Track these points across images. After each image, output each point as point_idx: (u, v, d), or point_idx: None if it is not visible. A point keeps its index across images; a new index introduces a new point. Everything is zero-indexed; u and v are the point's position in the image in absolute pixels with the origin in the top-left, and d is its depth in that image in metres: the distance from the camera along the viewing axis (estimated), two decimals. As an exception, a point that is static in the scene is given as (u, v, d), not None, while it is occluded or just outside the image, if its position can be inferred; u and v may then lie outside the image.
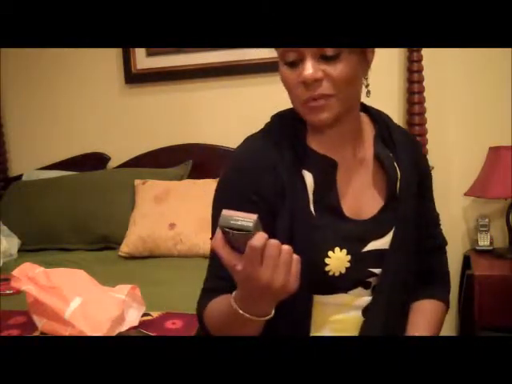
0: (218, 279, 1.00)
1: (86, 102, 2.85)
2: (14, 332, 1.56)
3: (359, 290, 1.05)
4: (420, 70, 2.34)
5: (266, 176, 1.01)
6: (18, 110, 2.95)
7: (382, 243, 1.05)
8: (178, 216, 2.32)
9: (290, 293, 0.82)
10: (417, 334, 1.07)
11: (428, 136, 2.37)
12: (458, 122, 2.44)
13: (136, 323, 1.53)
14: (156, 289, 1.80)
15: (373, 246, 1.05)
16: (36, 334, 1.52)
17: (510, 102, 2.34)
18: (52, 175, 2.74)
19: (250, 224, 0.76)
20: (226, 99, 2.65)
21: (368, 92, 1.04)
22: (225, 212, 0.78)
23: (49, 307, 1.47)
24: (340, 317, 1.06)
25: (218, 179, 1.09)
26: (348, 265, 1.02)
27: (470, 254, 2.32)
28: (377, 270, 1.05)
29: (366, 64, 1.01)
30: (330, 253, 1.01)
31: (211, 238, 1.02)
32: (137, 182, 2.53)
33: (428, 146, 2.37)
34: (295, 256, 0.80)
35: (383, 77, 2.43)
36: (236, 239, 0.79)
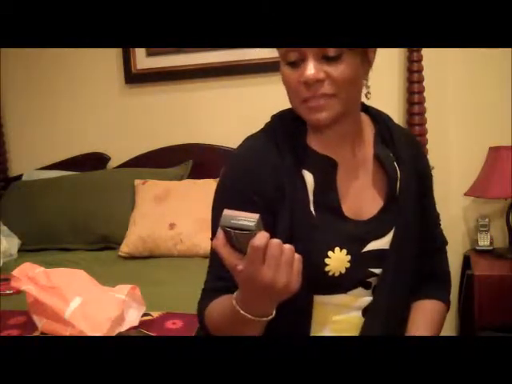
0: (219, 279, 1.00)
1: (86, 102, 2.85)
2: (14, 332, 1.56)
3: (359, 290, 1.05)
4: (420, 70, 2.34)
5: (265, 176, 1.01)
6: (18, 110, 2.95)
7: (382, 243, 1.05)
8: (178, 216, 2.32)
9: (293, 292, 0.81)
10: (417, 335, 1.07)
11: (428, 136, 2.36)
12: (458, 122, 2.44)
13: (136, 323, 1.53)
14: (156, 289, 1.80)
15: (373, 246, 1.05)
16: (36, 334, 1.52)
17: (510, 102, 2.34)
18: (52, 175, 2.74)
19: (252, 223, 0.76)
20: (226, 99, 2.65)
21: (368, 93, 1.04)
22: (226, 212, 0.78)
23: (49, 307, 1.47)
24: (340, 317, 1.06)
25: (218, 179, 1.09)
26: (348, 265, 1.02)
27: (470, 254, 2.32)
28: (377, 270, 1.05)
29: (367, 64, 1.01)
30: (329, 253, 1.01)
31: (211, 239, 1.03)
32: (137, 182, 2.53)
33: (428, 146, 2.36)
34: (297, 255, 0.80)
35: (383, 77, 2.44)
36: (237, 239, 0.78)
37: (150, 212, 2.38)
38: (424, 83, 2.35)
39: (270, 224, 0.99)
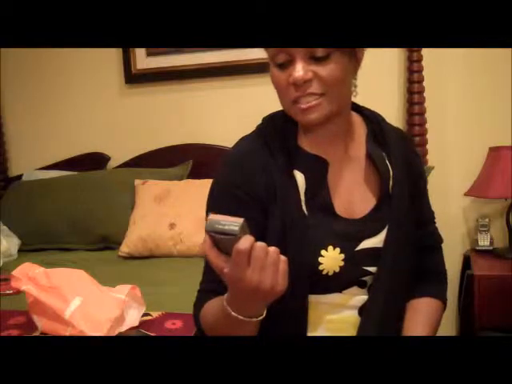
0: (212, 281, 1.01)
1: (86, 102, 2.85)
2: (14, 332, 1.56)
3: (354, 289, 1.06)
4: (420, 70, 2.34)
5: (257, 177, 1.02)
6: (17, 110, 2.95)
7: (376, 241, 1.06)
8: (178, 216, 2.32)
9: (280, 293, 0.82)
10: (414, 334, 1.07)
11: (428, 136, 2.36)
12: (458, 122, 2.44)
13: (136, 323, 1.53)
14: (156, 289, 1.80)
15: (366, 244, 1.05)
16: (36, 334, 1.52)
17: (509, 102, 2.34)
18: (52, 175, 2.74)
19: (236, 228, 0.77)
20: (225, 99, 2.65)
21: (354, 91, 1.04)
22: (211, 216, 0.79)
23: (49, 307, 1.47)
24: (336, 316, 1.06)
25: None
26: (342, 263, 1.02)
27: (470, 254, 2.32)
28: (372, 269, 1.05)
29: (355, 63, 1.01)
30: (323, 252, 1.02)
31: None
32: (137, 182, 2.53)
33: (428, 146, 2.37)
34: (282, 257, 0.81)
35: (383, 77, 2.44)
36: (223, 243, 0.79)
37: (150, 212, 2.38)
38: (424, 83, 2.35)
39: (262, 224, 1.01)
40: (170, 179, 2.53)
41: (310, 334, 1.05)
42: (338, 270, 1.02)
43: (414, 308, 1.12)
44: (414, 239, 1.10)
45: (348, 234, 1.04)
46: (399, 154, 1.09)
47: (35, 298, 1.49)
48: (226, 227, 0.77)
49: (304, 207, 1.03)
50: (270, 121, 1.09)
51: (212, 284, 1.01)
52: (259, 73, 2.48)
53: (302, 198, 1.04)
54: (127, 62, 2.73)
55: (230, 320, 0.87)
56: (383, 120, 1.13)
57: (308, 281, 1.01)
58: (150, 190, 2.46)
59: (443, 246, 1.22)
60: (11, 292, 1.86)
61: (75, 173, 2.71)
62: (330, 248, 1.02)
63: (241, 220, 0.78)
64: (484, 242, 2.31)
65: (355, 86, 1.04)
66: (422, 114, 2.36)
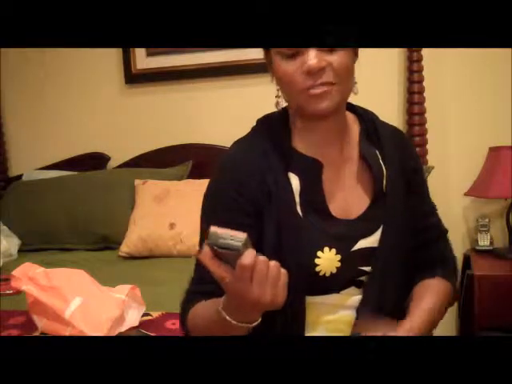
0: (202, 283, 1.02)
1: (86, 101, 2.85)
2: (14, 332, 1.56)
3: (352, 289, 1.06)
4: (420, 70, 2.34)
5: (251, 180, 1.02)
6: (17, 110, 2.95)
7: (372, 241, 1.06)
8: (178, 216, 2.32)
9: (279, 306, 0.83)
10: (418, 310, 1.05)
11: (428, 136, 2.36)
12: (458, 122, 2.44)
13: (136, 323, 1.53)
14: (156, 289, 1.80)
15: (362, 244, 1.05)
16: (36, 334, 1.52)
17: (510, 102, 2.34)
18: (52, 175, 2.74)
19: (239, 243, 0.77)
20: (225, 99, 2.65)
21: (355, 87, 1.04)
22: (213, 229, 0.78)
23: (49, 307, 1.47)
24: (334, 317, 1.06)
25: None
26: (338, 264, 1.03)
27: (470, 254, 2.32)
28: (368, 268, 1.05)
29: (355, 56, 1.02)
30: (319, 253, 1.02)
31: (200, 244, 1.06)
32: (137, 181, 2.53)
33: (428, 146, 2.36)
34: (283, 270, 0.82)
35: (383, 77, 2.44)
36: (224, 257, 0.79)
37: (150, 212, 2.38)
38: (424, 83, 2.35)
39: (257, 229, 1.01)
40: (169, 179, 2.53)
41: (308, 334, 1.05)
42: (334, 270, 1.02)
43: (419, 285, 1.11)
44: (409, 237, 1.09)
45: (344, 234, 1.04)
46: (393, 151, 1.09)
47: (35, 298, 1.49)
48: (230, 242, 0.77)
49: (299, 209, 1.03)
50: (265, 123, 1.09)
51: (202, 285, 1.02)
52: (259, 73, 2.48)
53: (297, 200, 1.04)
54: (127, 62, 2.73)
55: (224, 324, 0.87)
56: (377, 118, 1.13)
57: (305, 282, 1.01)
58: (149, 189, 2.46)
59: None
60: (11, 292, 1.86)
61: (75, 173, 2.71)
62: (326, 249, 1.02)
63: (244, 235, 0.78)
64: (484, 241, 2.31)
65: (355, 82, 1.04)
66: (422, 113, 2.36)
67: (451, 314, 2.41)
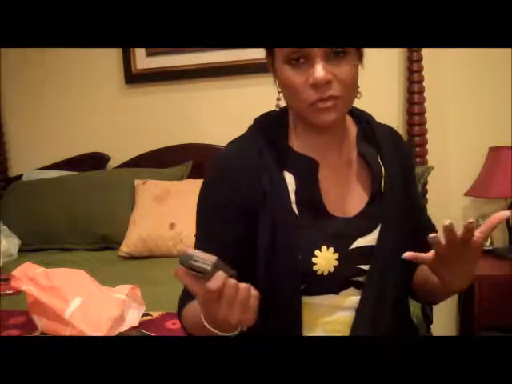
0: None
1: (86, 102, 2.85)
2: (14, 332, 1.56)
3: (351, 290, 1.05)
4: (420, 70, 2.35)
5: (246, 179, 1.02)
6: (17, 110, 2.95)
7: (370, 239, 1.05)
8: (178, 216, 2.32)
9: (248, 326, 0.85)
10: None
11: (428, 136, 2.37)
12: (458, 122, 2.44)
13: (136, 323, 1.53)
14: (156, 289, 1.80)
15: (360, 242, 1.05)
16: (36, 334, 1.52)
17: (510, 102, 2.34)
18: (52, 175, 2.74)
19: (208, 267, 0.80)
20: (225, 99, 2.65)
21: (358, 93, 1.04)
22: (187, 250, 0.81)
23: (49, 307, 1.47)
24: (332, 318, 1.05)
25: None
26: (336, 263, 1.02)
27: (470, 254, 2.32)
28: (366, 267, 1.05)
29: (360, 65, 1.01)
30: (316, 252, 1.01)
31: (196, 243, 1.06)
32: (137, 181, 2.53)
33: (428, 146, 2.37)
34: (254, 292, 0.84)
35: (383, 76, 2.44)
36: (195, 278, 0.82)
37: (150, 212, 2.38)
38: (424, 83, 2.35)
39: (253, 227, 1.01)
40: (169, 179, 2.53)
41: (306, 335, 1.05)
42: (332, 269, 1.02)
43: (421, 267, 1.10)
44: (408, 236, 1.09)
45: (341, 233, 1.04)
46: (390, 151, 1.09)
47: (35, 298, 1.49)
48: (199, 265, 0.80)
49: (295, 208, 1.03)
50: (262, 121, 1.09)
51: None
52: (259, 73, 2.48)
53: (293, 198, 1.03)
54: (127, 62, 2.73)
55: (207, 329, 0.89)
56: (372, 119, 1.13)
57: (301, 282, 1.01)
58: (149, 189, 2.46)
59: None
60: (11, 292, 1.86)
61: (75, 173, 2.72)
62: (324, 248, 1.02)
63: (214, 258, 0.80)
64: (484, 241, 2.31)
65: (358, 87, 1.04)
66: (422, 113, 2.36)
67: (451, 313, 2.41)
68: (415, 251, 1.10)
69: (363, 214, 1.06)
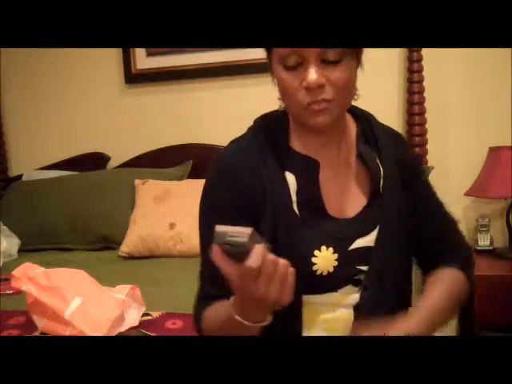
0: (213, 286, 1.01)
1: (86, 101, 2.85)
2: (14, 332, 1.56)
3: (349, 287, 1.06)
4: (420, 70, 2.35)
5: (247, 179, 1.02)
6: (17, 110, 2.96)
7: (368, 240, 1.06)
8: (178, 216, 2.32)
9: (285, 305, 0.84)
10: (429, 300, 1.05)
11: (428, 136, 2.37)
12: (458, 122, 2.44)
13: (136, 323, 1.53)
14: (156, 289, 1.80)
15: (359, 243, 1.05)
16: (36, 334, 1.52)
17: (510, 102, 2.34)
18: (52, 175, 2.75)
19: (245, 239, 0.77)
20: (225, 99, 2.65)
21: (355, 95, 1.04)
22: (218, 228, 0.79)
23: (49, 307, 1.47)
24: (331, 316, 1.06)
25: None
26: (335, 263, 1.03)
27: (470, 253, 2.32)
28: (365, 268, 1.05)
29: (359, 66, 1.01)
30: (316, 252, 1.02)
31: (200, 244, 1.08)
32: (137, 181, 2.53)
33: (428, 146, 2.37)
34: (291, 269, 0.83)
35: (383, 77, 2.44)
36: (232, 254, 0.80)
37: (150, 212, 2.38)
38: (424, 83, 2.35)
39: (253, 227, 1.00)
40: (169, 179, 2.53)
41: (305, 333, 1.05)
42: (331, 269, 1.02)
43: (434, 274, 1.10)
44: (408, 236, 1.09)
45: (340, 233, 1.04)
46: (390, 152, 1.09)
47: (35, 298, 1.49)
48: (235, 239, 0.78)
49: (295, 208, 1.03)
50: (262, 122, 1.09)
51: (213, 289, 1.02)
52: (259, 73, 2.48)
53: (294, 198, 1.04)
54: (127, 62, 2.73)
55: (235, 324, 0.87)
56: (373, 119, 1.13)
57: (301, 281, 1.01)
58: (149, 190, 2.46)
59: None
60: (11, 292, 1.86)
61: (75, 173, 2.72)
62: (324, 248, 1.02)
63: (249, 230, 0.78)
64: (484, 242, 2.32)
65: (356, 89, 1.04)
66: (422, 113, 2.36)
67: (451, 314, 2.40)
68: (428, 246, 1.11)
69: (362, 215, 1.06)
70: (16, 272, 1.54)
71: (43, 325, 1.50)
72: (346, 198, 1.07)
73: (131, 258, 2.32)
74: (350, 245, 1.05)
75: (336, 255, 1.03)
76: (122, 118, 2.80)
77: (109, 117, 2.82)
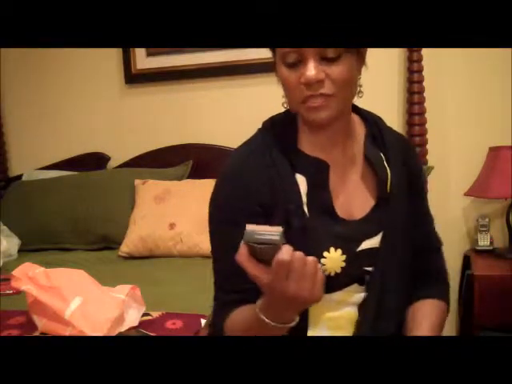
0: (235, 292, 1.02)
1: (86, 101, 2.85)
2: (14, 332, 1.56)
3: (355, 286, 1.07)
4: (420, 70, 2.34)
5: (258, 182, 1.03)
6: (17, 110, 2.95)
7: (375, 242, 1.07)
8: (178, 216, 2.32)
9: (317, 302, 0.84)
10: (419, 334, 1.07)
11: (428, 136, 2.36)
12: (458, 121, 2.44)
13: (136, 323, 1.53)
14: (156, 289, 1.80)
15: (366, 245, 1.06)
16: (36, 334, 1.52)
17: (509, 102, 2.34)
18: (52, 175, 2.74)
19: (277, 237, 0.78)
20: (225, 99, 2.65)
21: (360, 92, 1.04)
22: (249, 227, 0.80)
23: (49, 307, 1.47)
24: (336, 314, 1.07)
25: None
26: (343, 264, 1.03)
27: (470, 253, 2.32)
28: (371, 268, 1.06)
29: (361, 63, 1.02)
30: (325, 253, 1.02)
31: (212, 252, 1.07)
32: (137, 181, 2.53)
33: (428, 146, 2.36)
34: (319, 266, 0.83)
35: (383, 76, 2.44)
36: (262, 253, 0.80)
37: (149, 212, 2.38)
38: (424, 83, 2.35)
39: None
40: (170, 179, 2.53)
41: (310, 331, 1.06)
42: (339, 270, 1.03)
43: (419, 310, 1.11)
44: (412, 239, 1.10)
45: (349, 235, 1.05)
46: (398, 155, 1.10)
47: (35, 298, 1.49)
48: (267, 237, 0.78)
49: (306, 209, 1.04)
50: (270, 124, 1.10)
51: (234, 295, 1.02)
52: (259, 73, 2.48)
53: (304, 200, 1.04)
54: (127, 62, 2.73)
55: (262, 327, 0.88)
56: (382, 122, 1.13)
57: None
58: (149, 189, 2.46)
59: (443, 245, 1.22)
60: (11, 292, 1.86)
61: (75, 173, 2.71)
62: (332, 249, 1.03)
63: (280, 229, 0.79)
64: (484, 241, 2.31)
65: (360, 86, 1.04)
66: (422, 113, 2.36)
67: (451, 313, 2.40)
68: (417, 256, 1.11)
69: (369, 217, 1.07)
70: (16, 272, 1.54)
71: (43, 325, 1.50)
72: (354, 199, 1.08)
73: (131, 257, 2.32)
74: (358, 246, 1.05)
75: (344, 256, 1.03)
76: (121, 118, 2.80)
77: (109, 117, 2.82)
